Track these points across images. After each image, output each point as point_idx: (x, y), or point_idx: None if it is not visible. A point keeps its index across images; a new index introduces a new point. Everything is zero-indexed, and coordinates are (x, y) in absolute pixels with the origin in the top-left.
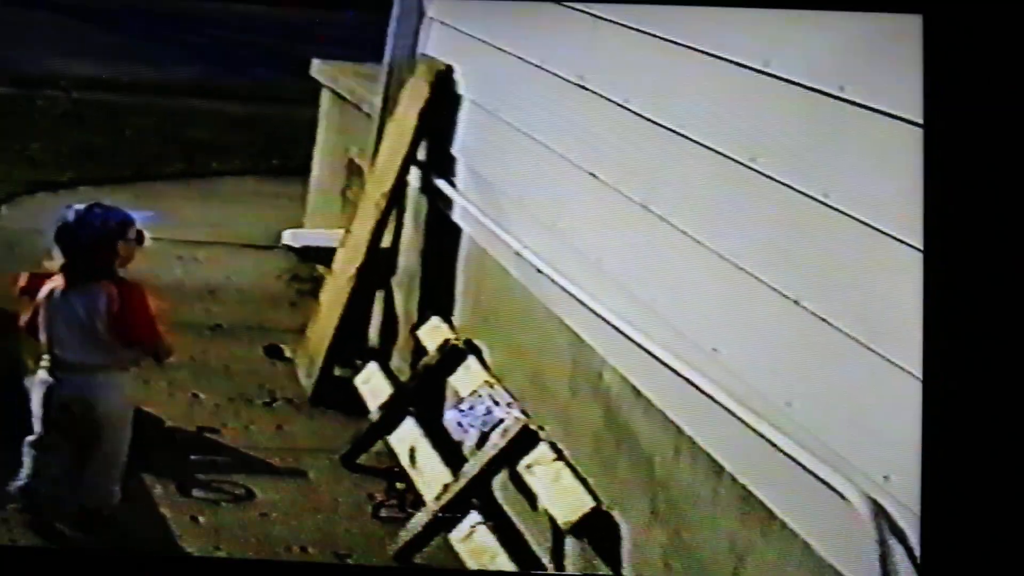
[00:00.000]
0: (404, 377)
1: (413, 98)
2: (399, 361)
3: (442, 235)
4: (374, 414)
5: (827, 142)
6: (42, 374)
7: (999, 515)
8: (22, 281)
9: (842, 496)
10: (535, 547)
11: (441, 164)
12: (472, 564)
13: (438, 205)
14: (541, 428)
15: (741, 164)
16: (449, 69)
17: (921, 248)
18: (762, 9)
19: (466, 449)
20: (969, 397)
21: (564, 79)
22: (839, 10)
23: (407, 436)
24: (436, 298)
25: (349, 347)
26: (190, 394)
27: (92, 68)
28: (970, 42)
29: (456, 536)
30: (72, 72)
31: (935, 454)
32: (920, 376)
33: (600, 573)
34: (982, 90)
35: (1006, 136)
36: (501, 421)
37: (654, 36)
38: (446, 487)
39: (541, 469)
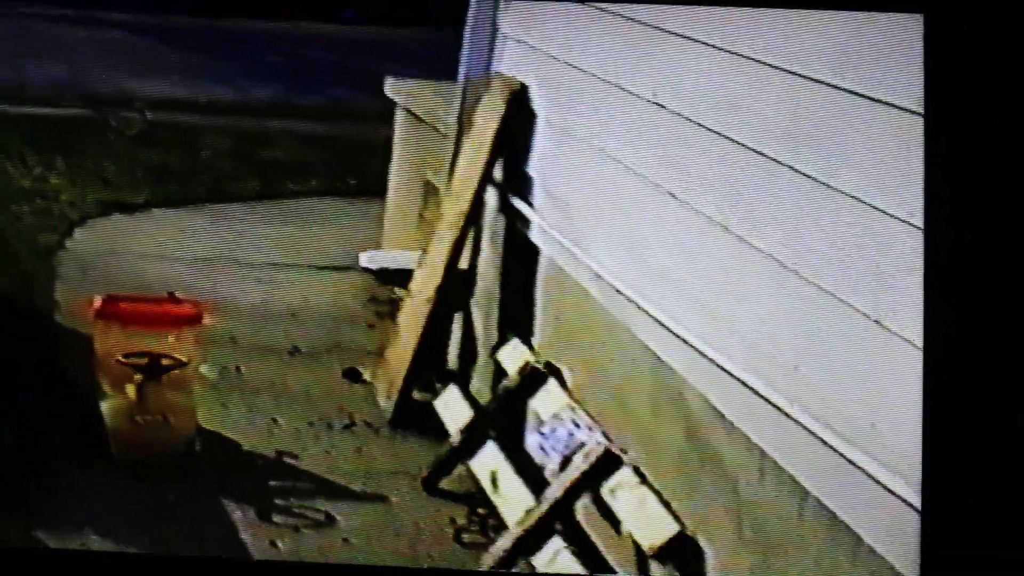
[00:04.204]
0: (484, 400)
1: (488, 116)
2: (479, 383)
3: (520, 255)
4: (455, 437)
5: (911, 160)
6: None
7: None
8: (97, 303)
9: None
10: (619, 572)
11: (518, 183)
12: None
13: (515, 225)
14: (624, 451)
15: (821, 183)
16: (524, 87)
17: None
18: (763, 9)
19: (548, 473)
20: None
21: (639, 96)
22: (839, 9)
23: (488, 460)
24: (515, 319)
25: (428, 369)
26: (269, 418)
27: (166, 88)
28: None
29: (540, 561)
30: (146, 92)
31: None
32: None
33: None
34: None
35: None
36: (583, 444)
37: (728, 52)
38: (528, 511)
39: (624, 493)
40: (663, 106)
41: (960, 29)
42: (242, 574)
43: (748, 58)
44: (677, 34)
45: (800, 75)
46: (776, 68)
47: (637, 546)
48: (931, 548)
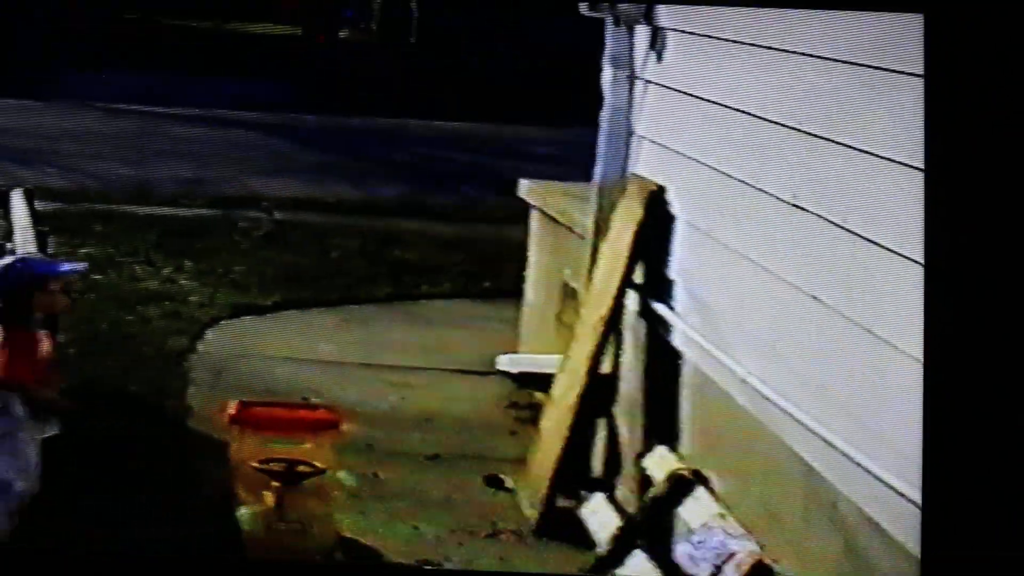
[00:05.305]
0: (631, 508)
1: (626, 219)
2: (625, 491)
3: (663, 360)
4: (602, 547)
5: None
6: None
7: None
8: (232, 409)
9: None
10: None
11: (658, 287)
12: None
13: (657, 329)
14: (776, 562)
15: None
16: (661, 188)
17: None
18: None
19: None
20: None
21: (778, 198)
22: (840, 9)
23: (638, 570)
24: (660, 426)
25: (573, 477)
26: (410, 526)
27: (294, 188)
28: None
29: None
30: (274, 192)
31: None
32: None
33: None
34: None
35: None
36: (734, 554)
37: (868, 153)
38: None
39: None
40: (804, 208)
41: (960, 29)
42: (242, 574)
43: (886, 158)
44: (815, 135)
45: None
46: (915, 168)
47: None
48: (931, 547)
